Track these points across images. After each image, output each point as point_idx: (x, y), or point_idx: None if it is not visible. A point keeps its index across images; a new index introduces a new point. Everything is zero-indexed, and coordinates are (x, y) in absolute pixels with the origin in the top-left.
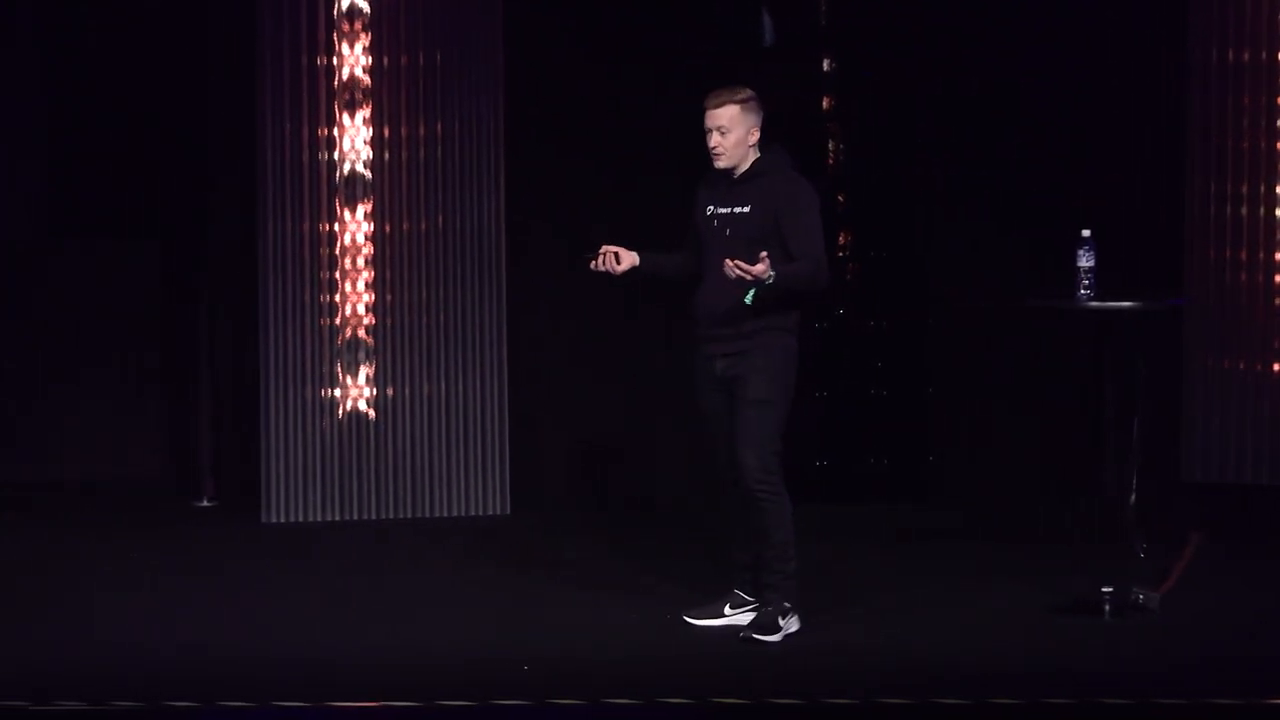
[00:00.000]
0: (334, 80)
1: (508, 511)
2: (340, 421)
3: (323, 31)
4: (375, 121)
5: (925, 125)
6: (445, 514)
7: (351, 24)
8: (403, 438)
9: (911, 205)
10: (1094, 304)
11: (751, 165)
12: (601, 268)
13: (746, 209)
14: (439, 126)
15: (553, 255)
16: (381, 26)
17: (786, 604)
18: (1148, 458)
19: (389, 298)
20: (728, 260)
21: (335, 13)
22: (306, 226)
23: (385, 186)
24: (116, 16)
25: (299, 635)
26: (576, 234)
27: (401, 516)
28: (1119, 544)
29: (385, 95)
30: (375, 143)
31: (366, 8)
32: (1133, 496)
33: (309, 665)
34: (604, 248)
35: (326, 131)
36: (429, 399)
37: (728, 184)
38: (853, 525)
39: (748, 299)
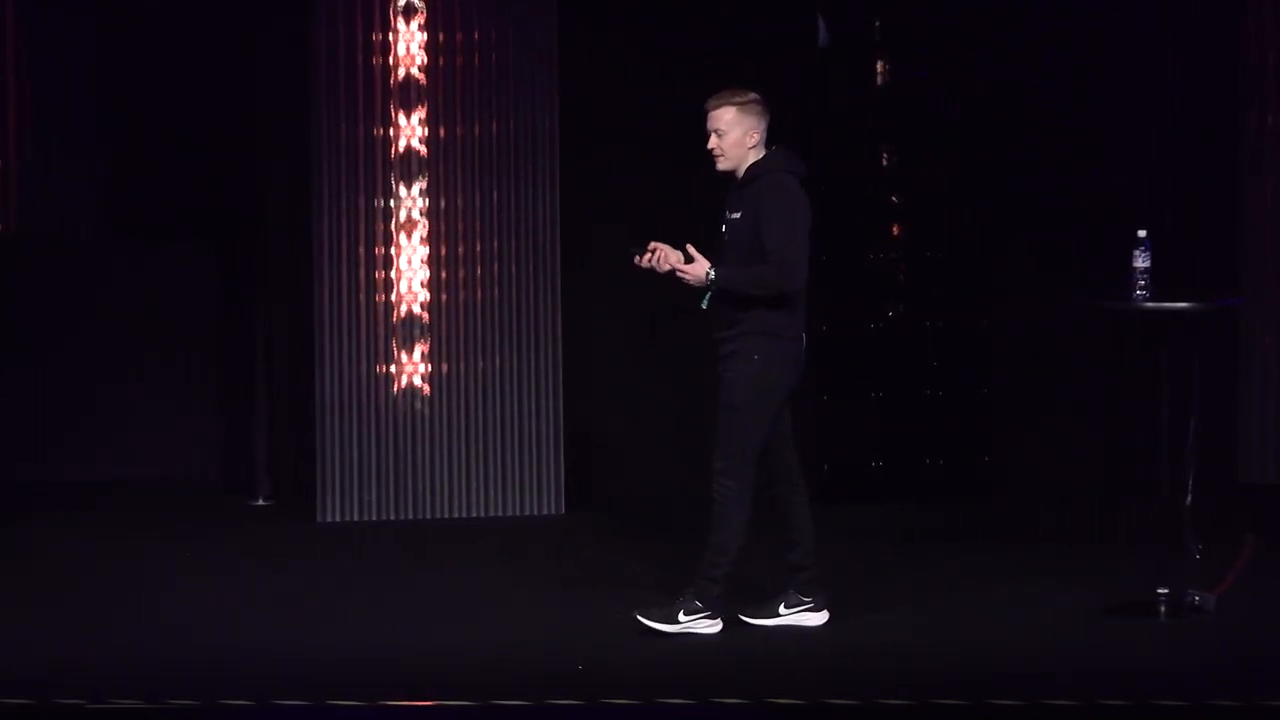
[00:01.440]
0: (390, 79)
1: (562, 511)
2: (396, 421)
3: (378, 31)
4: (431, 114)
5: (981, 125)
6: (499, 513)
7: (408, 23)
8: (457, 438)
9: (967, 205)
10: (1150, 304)
11: (749, 169)
12: (647, 264)
13: (739, 215)
14: (494, 123)
15: (610, 251)
16: (437, 17)
17: (698, 603)
18: (1204, 459)
19: (444, 297)
20: (662, 253)
21: (391, 11)
22: (362, 225)
23: (440, 172)
24: (173, 20)
25: (353, 634)
26: (634, 229)
27: (455, 515)
28: (1175, 545)
29: (441, 90)
30: (430, 123)
31: (421, 4)
32: (1189, 497)
33: (363, 664)
34: (652, 244)
35: (382, 131)
36: (484, 398)
37: (735, 189)
38: (908, 525)
39: (703, 304)
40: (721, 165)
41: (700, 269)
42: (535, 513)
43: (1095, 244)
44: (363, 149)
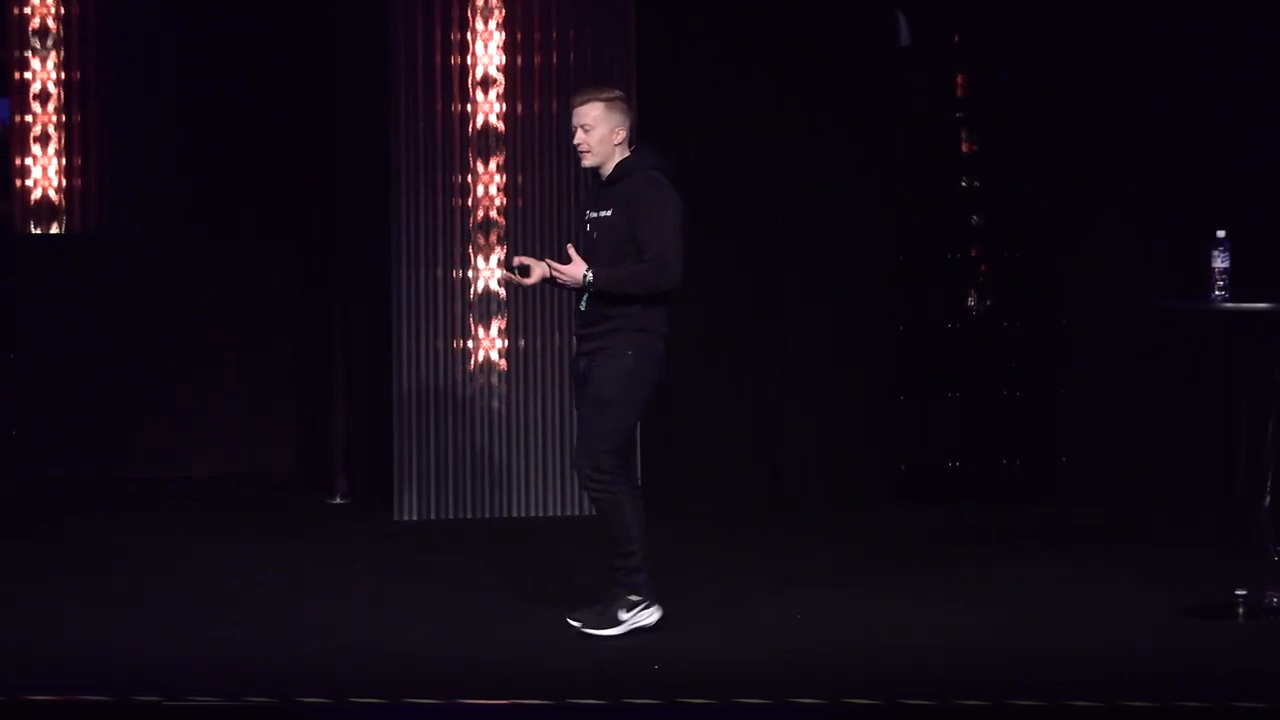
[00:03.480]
0: (468, 79)
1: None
2: (474, 419)
3: (456, 30)
4: (509, 105)
5: (1058, 124)
6: (575, 513)
7: (485, 22)
8: (534, 438)
9: (1044, 205)
10: (1228, 305)
11: (617, 166)
12: (511, 278)
13: (609, 213)
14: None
15: (685, 254)
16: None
17: (632, 597)
18: None
19: (521, 294)
20: (510, 276)
21: (469, 11)
22: (440, 220)
23: (518, 195)
24: (252, 19)
25: (429, 633)
26: (709, 234)
27: (531, 514)
28: (1253, 547)
29: (519, 82)
30: (507, 118)
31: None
32: (1267, 499)
33: (438, 663)
34: (517, 261)
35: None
36: (560, 395)
37: (599, 186)
38: (984, 526)
39: (581, 305)
40: (588, 161)
41: (577, 271)
42: None
43: (1174, 244)
44: (440, 140)
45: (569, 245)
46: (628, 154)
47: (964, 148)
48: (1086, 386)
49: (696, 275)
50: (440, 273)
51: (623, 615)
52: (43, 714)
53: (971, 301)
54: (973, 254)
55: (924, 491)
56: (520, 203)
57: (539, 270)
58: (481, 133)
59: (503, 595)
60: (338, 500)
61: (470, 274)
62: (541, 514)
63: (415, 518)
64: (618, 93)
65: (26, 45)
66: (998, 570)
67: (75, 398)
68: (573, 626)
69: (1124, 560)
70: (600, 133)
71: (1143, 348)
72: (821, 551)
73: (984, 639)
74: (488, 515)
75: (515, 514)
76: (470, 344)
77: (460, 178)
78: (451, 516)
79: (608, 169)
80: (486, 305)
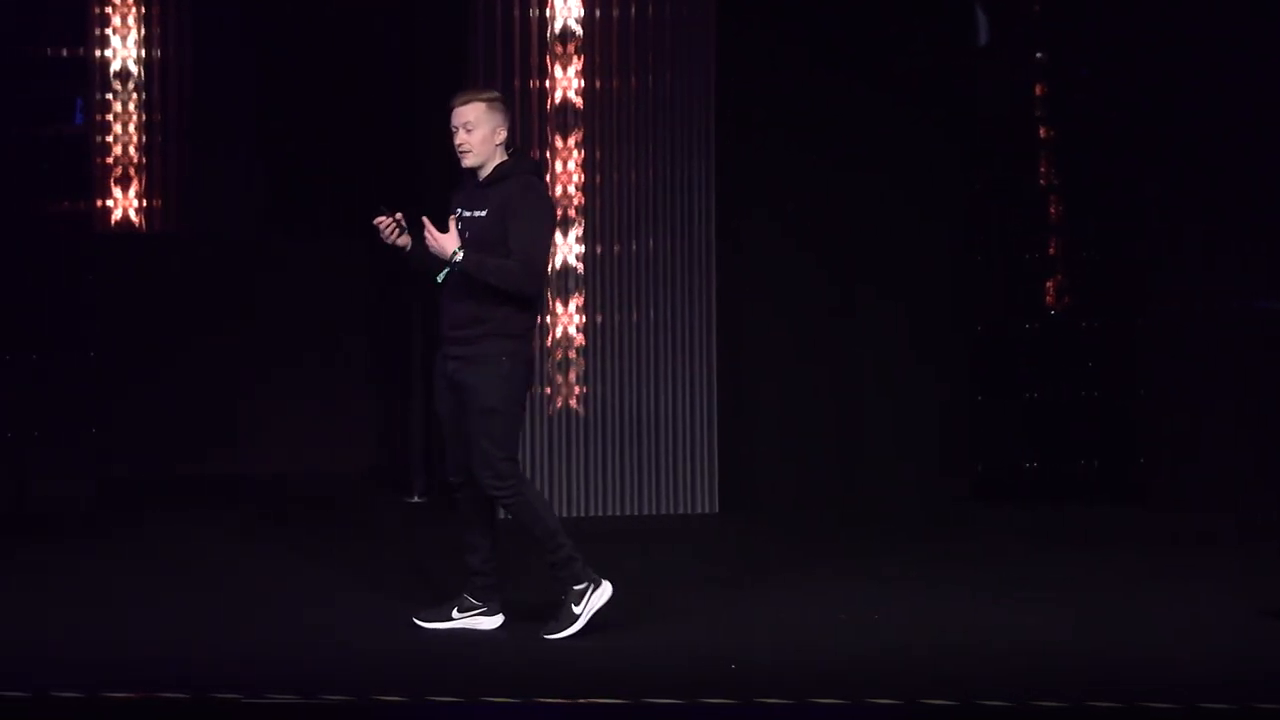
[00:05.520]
0: (546, 104)
1: (716, 510)
2: (550, 418)
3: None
4: (588, 147)
5: (1139, 122)
6: (653, 512)
7: (565, 47)
8: (611, 435)
9: (1124, 203)
10: None
11: (496, 168)
12: (387, 227)
13: (484, 213)
14: (650, 150)
15: (764, 254)
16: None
17: (576, 587)
18: None
19: (599, 294)
20: (385, 220)
21: (549, 35)
22: None
23: (598, 207)
24: (330, 20)
25: (507, 632)
26: (790, 233)
27: (609, 514)
28: None
29: (598, 118)
30: (587, 166)
31: (579, 31)
32: None
33: (514, 663)
34: (399, 215)
35: (538, 154)
36: (637, 398)
37: (474, 186)
38: (1062, 527)
39: (438, 278)
40: (468, 161)
41: (450, 244)
42: (689, 512)
43: (1258, 244)
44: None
45: (452, 218)
46: (507, 156)
47: (1043, 146)
48: (1166, 387)
49: (775, 274)
50: None
51: (576, 609)
52: (121, 711)
53: (1050, 301)
54: (1051, 253)
55: (1000, 491)
56: (598, 179)
57: (402, 241)
58: (560, 109)
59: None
60: (415, 499)
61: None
62: (617, 513)
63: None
64: (496, 94)
65: (107, 44)
66: (1074, 571)
67: (154, 397)
68: (545, 637)
69: (1203, 562)
70: (482, 133)
71: (1221, 349)
72: (898, 551)
73: (1060, 640)
74: (563, 515)
75: (592, 513)
76: (544, 319)
77: (538, 153)
78: None
79: (487, 170)
80: (565, 282)
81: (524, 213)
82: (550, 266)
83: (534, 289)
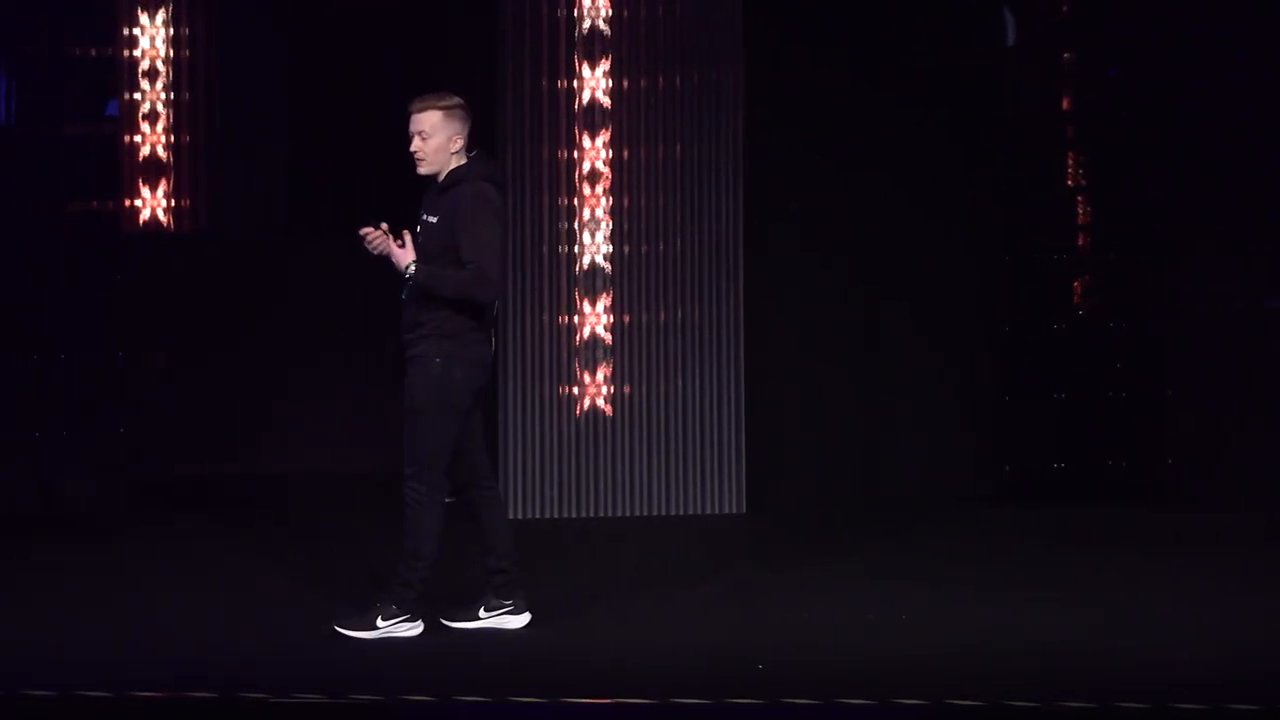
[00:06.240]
0: (574, 103)
1: (743, 510)
2: (578, 419)
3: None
4: (615, 141)
5: (1167, 124)
6: (681, 512)
7: (592, 48)
8: (639, 435)
9: (1152, 205)
10: None
11: (450, 174)
12: (371, 237)
13: (436, 219)
14: (677, 145)
15: (792, 255)
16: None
17: (394, 607)
18: None
19: (626, 296)
20: (372, 231)
21: (576, 35)
22: (546, 226)
23: (625, 208)
24: (355, 23)
25: (535, 632)
26: (817, 234)
27: (637, 514)
28: None
29: (625, 118)
30: (613, 146)
31: (607, 30)
32: None
33: (545, 663)
34: (384, 226)
35: (567, 154)
36: (665, 398)
37: (434, 191)
38: (1088, 528)
39: (403, 294)
40: (423, 169)
41: (406, 257)
42: (716, 512)
43: None
44: (547, 164)
45: (405, 232)
46: (463, 161)
47: (1071, 147)
48: (1194, 388)
49: (802, 275)
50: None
51: (380, 622)
52: (149, 711)
53: (1077, 301)
54: (1079, 254)
55: (1028, 492)
56: (626, 179)
57: (385, 244)
58: (588, 108)
59: (606, 594)
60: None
61: (576, 249)
62: (645, 513)
63: (521, 516)
64: (457, 100)
65: (135, 44)
66: (1102, 572)
67: (183, 397)
68: (336, 630)
69: (1230, 563)
70: (437, 141)
71: (1250, 349)
72: (925, 551)
73: (1088, 641)
74: (592, 514)
75: (620, 514)
76: (573, 319)
77: (566, 153)
78: (556, 515)
79: (442, 176)
80: (593, 281)
81: (472, 220)
82: (506, 269)
83: (488, 297)
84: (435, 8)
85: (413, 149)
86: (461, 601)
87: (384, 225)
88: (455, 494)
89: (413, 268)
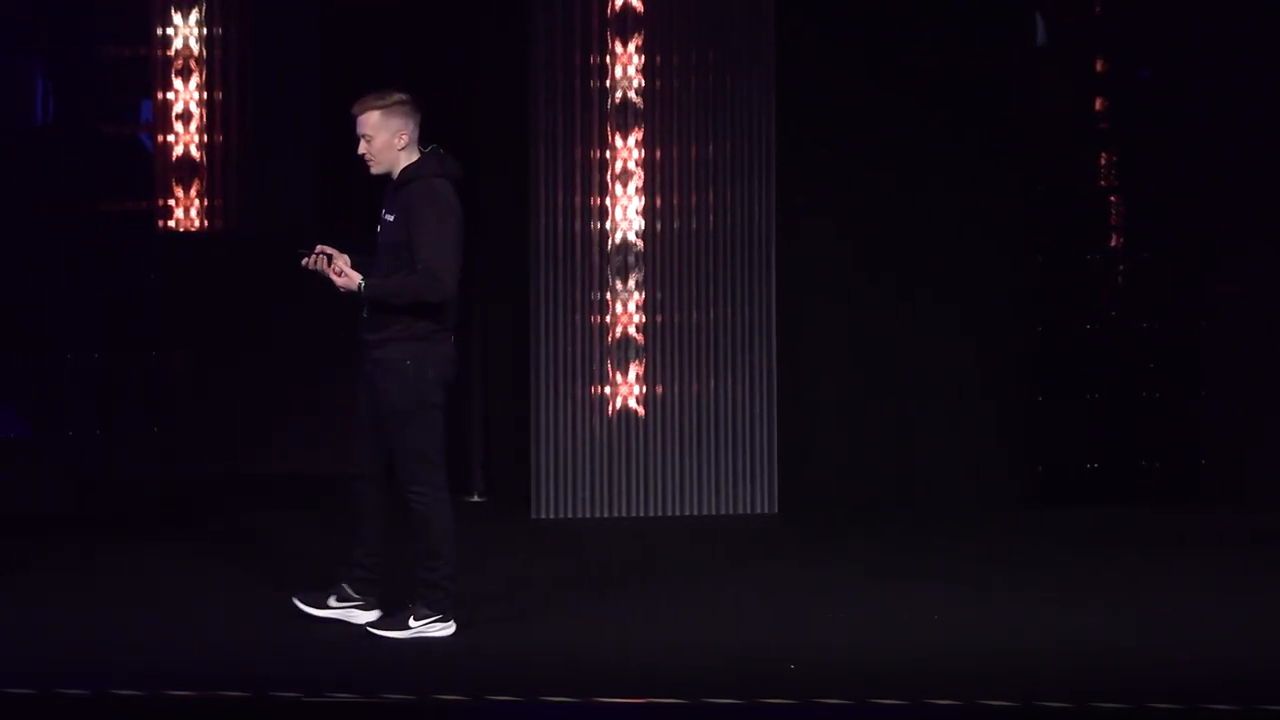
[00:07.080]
0: (607, 102)
1: (775, 511)
2: (610, 419)
3: (595, 54)
4: (648, 135)
5: (1200, 124)
6: (712, 513)
7: (624, 36)
8: (671, 436)
9: (1185, 205)
10: None
11: (403, 171)
12: (314, 267)
13: (393, 217)
14: (710, 144)
15: (824, 254)
16: (655, 32)
17: (426, 610)
18: None
19: (659, 295)
20: (309, 259)
21: (609, 12)
22: (578, 225)
23: (657, 208)
24: (387, 23)
25: (564, 632)
26: (850, 234)
27: (669, 514)
28: None
29: (659, 110)
30: (646, 144)
31: (641, 7)
32: None
33: (576, 663)
34: (319, 247)
35: (599, 154)
36: (698, 397)
37: (391, 190)
38: (1122, 529)
39: (364, 312)
40: (374, 169)
41: (354, 281)
42: (748, 512)
43: None
44: (579, 164)
45: (336, 256)
46: (415, 158)
47: (1103, 147)
48: (1227, 388)
49: (835, 274)
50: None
51: (413, 623)
52: (182, 710)
53: (1110, 302)
54: (1112, 255)
55: (1061, 493)
56: (658, 180)
57: (340, 262)
58: (620, 106)
59: (635, 595)
60: (476, 498)
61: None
62: (676, 514)
63: (552, 516)
64: (397, 96)
65: (169, 44)
66: (1135, 573)
67: (215, 395)
68: (368, 629)
69: (1265, 564)
70: (381, 140)
71: None
72: (957, 553)
73: (1121, 642)
74: (624, 514)
75: (651, 514)
76: (605, 319)
77: (599, 152)
78: (588, 515)
79: (395, 173)
80: (624, 261)
81: (421, 219)
82: (459, 266)
83: (439, 297)
84: (468, 9)
85: (360, 151)
86: (317, 585)
87: (320, 248)
88: (353, 477)
89: (364, 285)
